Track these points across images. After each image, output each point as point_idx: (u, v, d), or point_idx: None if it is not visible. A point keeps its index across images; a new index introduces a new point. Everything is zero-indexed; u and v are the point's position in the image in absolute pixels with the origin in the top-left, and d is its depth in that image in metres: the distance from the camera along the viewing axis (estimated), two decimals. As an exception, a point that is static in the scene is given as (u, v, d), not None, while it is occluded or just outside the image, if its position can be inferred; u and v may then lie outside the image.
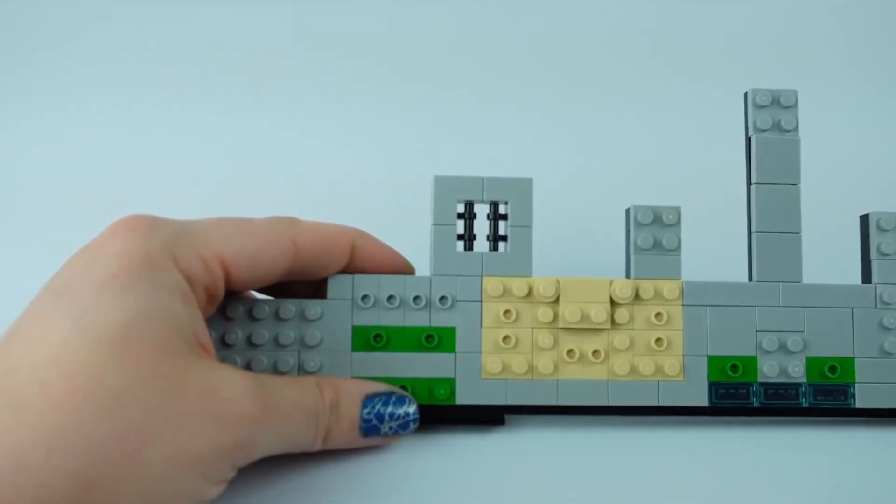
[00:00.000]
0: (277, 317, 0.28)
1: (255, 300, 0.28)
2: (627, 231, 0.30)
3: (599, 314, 0.28)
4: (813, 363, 0.29)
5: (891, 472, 0.27)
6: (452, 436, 0.28)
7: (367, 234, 0.28)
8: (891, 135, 0.46)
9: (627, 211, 0.30)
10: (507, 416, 0.28)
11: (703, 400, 0.29)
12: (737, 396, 0.29)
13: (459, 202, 0.29)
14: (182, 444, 0.21)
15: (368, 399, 0.26)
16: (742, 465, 0.27)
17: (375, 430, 0.26)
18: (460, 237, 0.29)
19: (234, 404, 0.22)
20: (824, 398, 0.29)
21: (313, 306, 0.28)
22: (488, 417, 0.28)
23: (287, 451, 0.25)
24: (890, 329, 0.29)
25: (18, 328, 0.21)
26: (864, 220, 0.31)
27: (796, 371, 0.29)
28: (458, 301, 0.28)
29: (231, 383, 0.22)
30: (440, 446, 0.28)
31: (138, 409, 0.20)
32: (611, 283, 0.29)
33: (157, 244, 0.23)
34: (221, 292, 0.25)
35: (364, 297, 0.28)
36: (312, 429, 0.25)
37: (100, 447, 0.19)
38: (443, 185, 0.29)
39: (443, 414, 0.28)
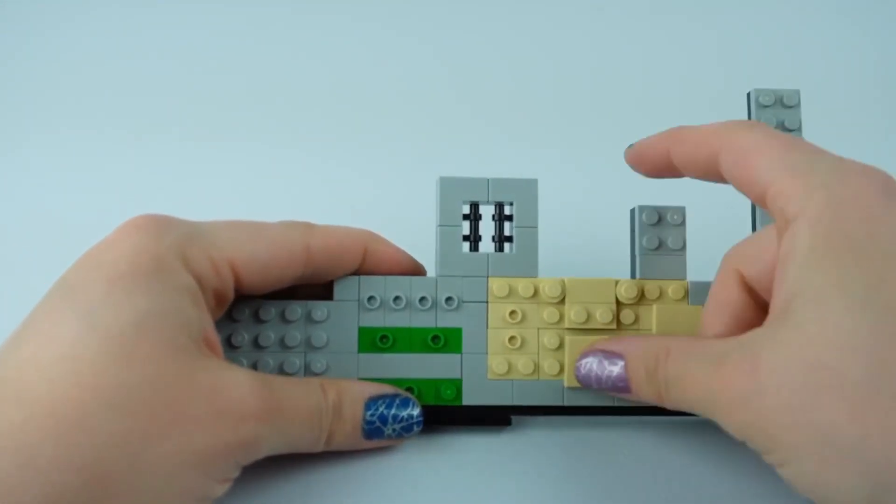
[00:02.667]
0: (283, 318, 0.28)
1: (261, 302, 0.28)
2: (632, 231, 0.30)
3: (605, 315, 0.28)
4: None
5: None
6: (458, 436, 0.28)
7: (379, 236, 0.28)
8: (894, 133, 0.46)
9: (632, 211, 0.30)
10: (513, 417, 0.28)
11: (709, 400, 0.29)
12: (744, 397, 0.29)
13: (465, 203, 0.29)
14: (188, 442, 0.21)
15: (372, 401, 0.26)
16: (748, 466, 0.27)
17: (378, 433, 0.26)
18: (466, 238, 0.29)
19: (239, 403, 0.22)
20: (832, 398, 0.29)
21: (319, 308, 0.28)
22: (494, 418, 0.28)
23: (291, 450, 0.25)
24: (898, 329, 0.29)
25: (28, 325, 0.21)
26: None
27: (803, 371, 0.29)
28: (463, 302, 0.28)
29: (237, 383, 0.22)
30: (446, 447, 0.28)
31: (145, 407, 0.20)
32: (616, 283, 0.29)
33: (168, 245, 0.23)
34: (230, 295, 0.26)
35: (370, 299, 0.28)
36: (316, 429, 0.25)
37: (107, 444, 0.20)
38: (448, 187, 0.29)
39: (449, 414, 0.28)
